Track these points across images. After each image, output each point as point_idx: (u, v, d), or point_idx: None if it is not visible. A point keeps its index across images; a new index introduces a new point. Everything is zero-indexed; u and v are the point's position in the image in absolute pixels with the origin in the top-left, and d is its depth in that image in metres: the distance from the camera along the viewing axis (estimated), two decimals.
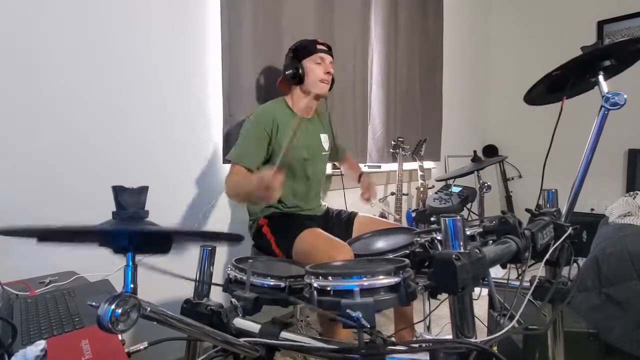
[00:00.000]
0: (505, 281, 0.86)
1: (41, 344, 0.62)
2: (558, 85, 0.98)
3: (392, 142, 2.52)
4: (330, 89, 1.54)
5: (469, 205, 1.27)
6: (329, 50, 1.52)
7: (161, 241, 0.49)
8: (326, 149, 1.61)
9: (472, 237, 0.79)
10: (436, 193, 1.11)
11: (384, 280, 0.60)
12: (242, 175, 1.33)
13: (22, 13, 1.15)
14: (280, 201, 1.47)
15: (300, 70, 1.46)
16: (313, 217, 1.52)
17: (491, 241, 0.76)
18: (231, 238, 0.55)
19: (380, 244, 1.04)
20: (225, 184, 1.39)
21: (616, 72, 0.95)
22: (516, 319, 0.63)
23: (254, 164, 1.37)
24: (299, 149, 1.46)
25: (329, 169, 1.92)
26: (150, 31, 1.43)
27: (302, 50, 1.48)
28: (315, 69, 1.47)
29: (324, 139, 1.61)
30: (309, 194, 1.54)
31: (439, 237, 0.78)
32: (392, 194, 2.52)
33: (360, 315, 0.56)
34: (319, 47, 1.49)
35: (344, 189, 1.69)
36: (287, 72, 1.49)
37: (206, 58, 1.60)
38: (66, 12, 1.23)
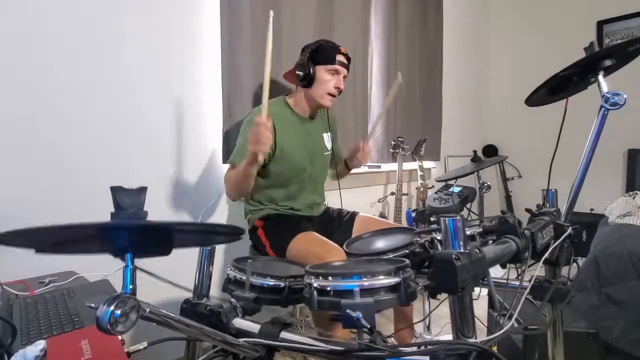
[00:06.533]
0: (505, 281, 0.86)
1: (41, 343, 0.62)
2: (558, 85, 0.98)
3: (392, 142, 2.52)
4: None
5: (468, 205, 1.26)
6: (348, 64, 1.44)
7: (161, 241, 0.49)
8: (328, 148, 1.58)
9: (472, 237, 0.79)
10: (436, 193, 1.11)
11: (384, 281, 0.60)
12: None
13: (23, 13, 1.15)
14: (277, 202, 1.47)
15: (311, 76, 1.39)
16: (310, 218, 1.51)
17: (491, 241, 0.76)
18: (231, 231, 0.55)
19: (380, 244, 1.03)
20: (225, 184, 1.38)
21: (614, 70, 0.95)
22: (514, 317, 0.63)
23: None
24: (299, 152, 1.45)
25: None
26: (149, 32, 1.43)
27: (321, 55, 1.40)
28: (328, 80, 1.40)
29: (326, 138, 1.58)
30: (306, 193, 1.52)
31: (438, 237, 0.78)
32: (392, 194, 2.52)
33: (360, 316, 0.56)
34: (339, 57, 1.40)
35: (339, 189, 1.68)
36: (298, 72, 1.42)
37: (205, 58, 1.60)
38: (67, 12, 1.23)
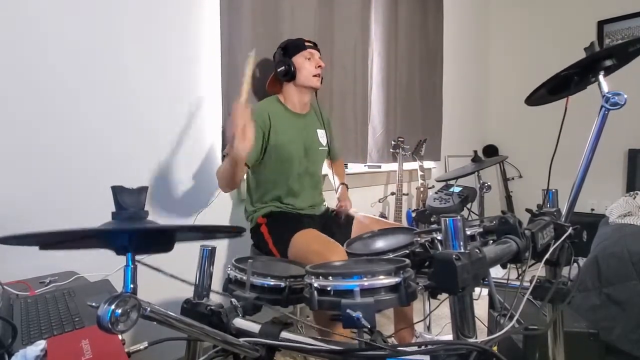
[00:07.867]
0: (506, 281, 0.86)
1: (41, 343, 0.62)
2: (559, 85, 0.98)
3: (392, 142, 2.52)
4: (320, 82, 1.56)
5: (469, 205, 1.27)
6: (316, 46, 1.56)
7: (162, 240, 0.49)
8: (323, 144, 1.61)
9: (472, 237, 0.79)
10: (436, 193, 1.11)
11: (384, 280, 0.60)
12: None
13: (23, 13, 1.15)
14: (281, 200, 1.48)
15: (292, 67, 1.49)
16: (312, 216, 1.52)
17: (491, 241, 0.76)
18: (232, 231, 0.55)
19: (380, 243, 1.03)
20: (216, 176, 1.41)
21: (615, 70, 0.95)
22: (516, 318, 0.63)
23: (248, 159, 1.35)
24: (293, 145, 1.47)
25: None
26: (149, 32, 1.43)
27: (291, 48, 1.52)
28: (307, 64, 1.50)
29: (321, 134, 1.61)
30: (307, 191, 1.54)
31: (439, 237, 0.78)
32: (392, 194, 2.52)
33: (361, 315, 0.56)
34: (307, 43, 1.53)
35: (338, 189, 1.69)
36: (279, 69, 1.51)
37: (205, 57, 1.60)
38: (67, 12, 1.23)
